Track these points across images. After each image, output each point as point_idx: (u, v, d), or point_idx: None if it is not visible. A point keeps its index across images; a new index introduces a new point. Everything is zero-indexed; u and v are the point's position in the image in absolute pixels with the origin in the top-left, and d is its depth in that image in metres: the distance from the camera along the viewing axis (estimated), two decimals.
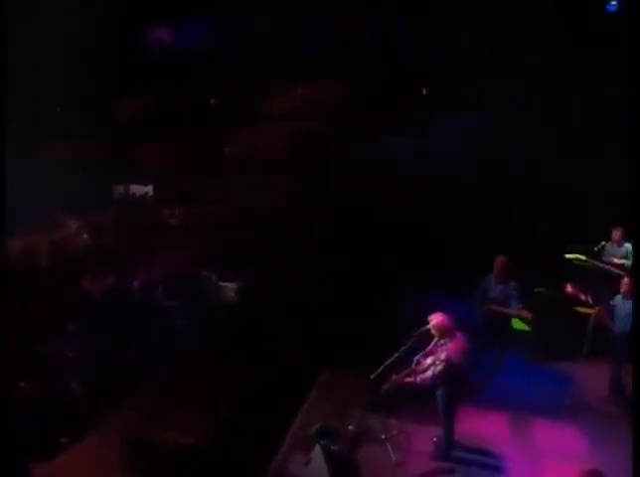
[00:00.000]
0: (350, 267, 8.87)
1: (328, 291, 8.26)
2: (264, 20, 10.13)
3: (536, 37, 9.24)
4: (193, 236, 9.59)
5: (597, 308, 6.54)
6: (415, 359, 5.73)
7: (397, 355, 5.73)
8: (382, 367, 5.73)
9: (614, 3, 8.67)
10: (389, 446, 5.95)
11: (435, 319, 5.57)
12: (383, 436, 6.03)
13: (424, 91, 11.49)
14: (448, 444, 5.76)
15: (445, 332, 5.53)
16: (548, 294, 7.68)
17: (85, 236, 9.23)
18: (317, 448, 5.56)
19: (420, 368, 5.58)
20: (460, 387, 5.60)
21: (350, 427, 6.21)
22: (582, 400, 6.66)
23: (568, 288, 7.72)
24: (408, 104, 10.88)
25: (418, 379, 5.51)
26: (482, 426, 6.07)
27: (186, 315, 7.73)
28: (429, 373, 5.47)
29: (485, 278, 6.91)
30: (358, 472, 5.49)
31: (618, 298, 6.42)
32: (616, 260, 7.71)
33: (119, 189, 10.77)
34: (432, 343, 5.70)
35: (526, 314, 6.72)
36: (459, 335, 5.56)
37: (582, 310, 7.51)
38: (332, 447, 5.61)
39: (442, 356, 5.48)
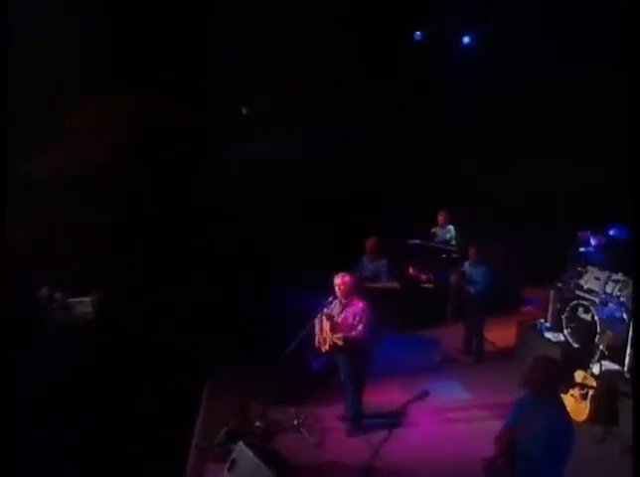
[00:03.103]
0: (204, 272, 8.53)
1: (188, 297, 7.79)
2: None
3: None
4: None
5: (454, 276, 7.56)
6: (317, 328, 5.77)
7: (301, 335, 5.73)
8: (288, 349, 5.66)
9: (419, 33, 10.22)
10: (304, 431, 5.88)
11: (345, 277, 5.70)
12: (295, 422, 5.94)
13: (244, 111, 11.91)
14: (358, 415, 5.94)
15: (351, 290, 5.70)
16: (396, 276, 8.56)
17: None
18: (240, 447, 5.18)
19: (342, 328, 5.62)
20: (369, 353, 5.85)
21: (257, 424, 5.93)
22: (448, 356, 7.70)
23: (410, 271, 8.85)
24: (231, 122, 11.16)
25: (354, 333, 5.56)
26: (378, 395, 6.39)
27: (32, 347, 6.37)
28: (361, 325, 5.58)
29: (361, 259, 7.43)
30: (286, 460, 5.27)
31: (467, 265, 7.56)
32: (446, 238, 9.07)
33: None
34: (332, 308, 5.76)
35: (393, 285, 7.38)
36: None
37: (426, 286, 8.73)
38: (253, 442, 5.30)
39: (360, 306, 5.64)
